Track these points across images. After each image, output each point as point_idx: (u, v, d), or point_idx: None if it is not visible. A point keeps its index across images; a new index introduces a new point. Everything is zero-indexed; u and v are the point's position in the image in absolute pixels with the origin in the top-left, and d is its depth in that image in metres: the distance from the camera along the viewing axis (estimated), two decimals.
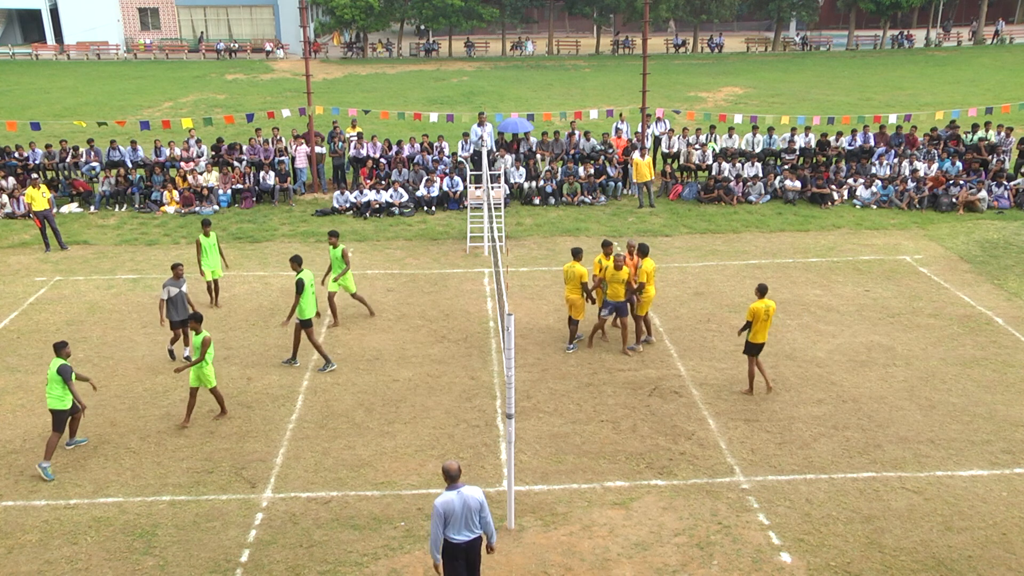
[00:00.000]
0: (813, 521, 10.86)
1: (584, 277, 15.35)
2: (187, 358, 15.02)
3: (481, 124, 26.54)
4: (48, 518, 11.11)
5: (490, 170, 22.18)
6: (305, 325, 14.73)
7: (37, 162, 26.46)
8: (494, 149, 22.75)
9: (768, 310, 13.51)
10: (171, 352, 15.49)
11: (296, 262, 14.83)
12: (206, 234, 17.51)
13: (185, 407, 13.40)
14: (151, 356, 15.63)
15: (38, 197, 21.39)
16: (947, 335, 16.11)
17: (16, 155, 26.56)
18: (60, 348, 12.15)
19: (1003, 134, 26.29)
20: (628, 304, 15.36)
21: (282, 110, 30.00)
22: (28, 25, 68.65)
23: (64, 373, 11.93)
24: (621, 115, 28.49)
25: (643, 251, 15.56)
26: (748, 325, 13.70)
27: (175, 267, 15.05)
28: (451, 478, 8.75)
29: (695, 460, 12.23)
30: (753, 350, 13.82)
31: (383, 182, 25.12)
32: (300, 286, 14.48)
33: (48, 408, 12.06)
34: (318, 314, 15.62)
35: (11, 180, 25.09)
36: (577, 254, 15.57)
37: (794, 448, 12.47)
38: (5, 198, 24.56)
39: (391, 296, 18.34)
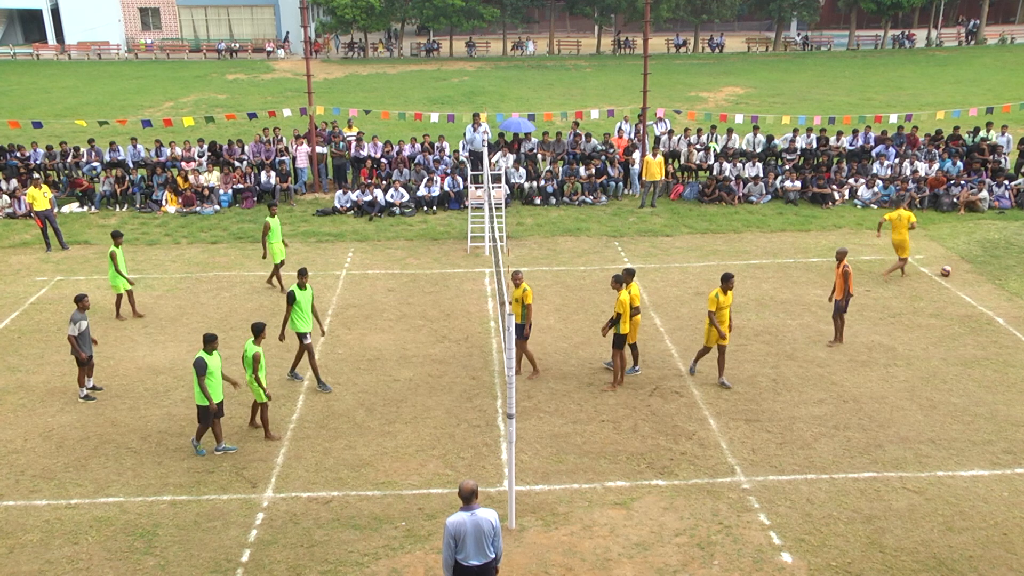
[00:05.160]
0: (814, 521, 10.86)
1: (711, 304, 13.93)
2: (85, 397, 14.06)
3: (476, 125, 26.49)
4: (49, 518, 11.11)
5: (490, 170, 22.15)
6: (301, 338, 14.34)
7: (38, 162, 26.48)
8: (486, 152, 22.66)
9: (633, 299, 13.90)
10: (89, 394, 14.15)
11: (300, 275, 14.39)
12: (272, 215, 18.39)
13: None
14: (152, 356, 15.64)
15: (39, 197, 21.41)
16: (948, 335, 16.10)
17: (18, 155, 26.58)
18: (208, 340, 12.20)
19: (1006, 135, 26.23)
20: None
21: (283, 110, 30.01)
22: (29, 25, 68.69)
23: (197, 367, 12.03)
24: (625, 116, 28.51)
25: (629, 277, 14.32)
26: (619, 317, 13.74)
27: (80, 299, 14.00)
28: (465, 498, 8.42)
29: (696, 460, 12.22)
30: (623, 342, 14.02)
31: (384, 182, 25.12)
32: (290, 298, 14.08)
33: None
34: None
35: (13, 182, 25.10)
36: (726, 280, 13.85)
37: (795, 448, 12.47)
38: (6, 198, 24.58)
39: (392, 296, 18.35)
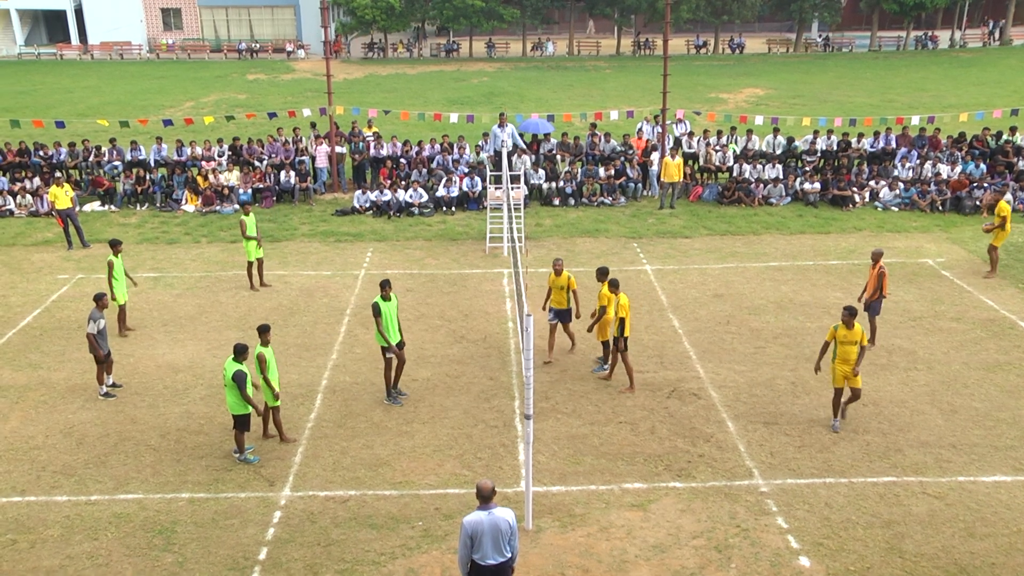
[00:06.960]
0: (832, 525, 10.78)
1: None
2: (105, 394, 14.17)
3: (502, 125, 26.55)
4: (69, 514, 11.21)
5: (509, 170, 22.17)
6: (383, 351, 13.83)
7: (61, 160, 26.72)
8: (514, 148, 22.66)
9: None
10: (109, 391, 14.29)
11: (382, 286, 13.63)
12: (246, 213, 18.57)
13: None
14: (171, 354, 15.74)
15: (61, 195, 21.61)
16: (970, 339, 15.94)
17: (41, 154, 26.83)
18: (240, 351, 11.93)
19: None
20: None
21: (303, 109, 30.12)
22: (53, 25, 69.40)
23: (239, 380, 11.83)
24: (647, 118, 28.44)
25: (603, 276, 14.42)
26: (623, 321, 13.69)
27: (99, 298, 14.09)
28: (483, 498, 8.45)
29: (714, 462, 12.17)
30: (626, 344, 14.03)
31: (403, 182, 25.19)
32: (375, 310, 13.50)
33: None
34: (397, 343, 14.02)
35: (36, 180, 25.36)
36: (849, 313, 12.74)
37: (813, 451, 12.38)
38: (29, 197, 24.83)
39: (410, 296, 18.38)
